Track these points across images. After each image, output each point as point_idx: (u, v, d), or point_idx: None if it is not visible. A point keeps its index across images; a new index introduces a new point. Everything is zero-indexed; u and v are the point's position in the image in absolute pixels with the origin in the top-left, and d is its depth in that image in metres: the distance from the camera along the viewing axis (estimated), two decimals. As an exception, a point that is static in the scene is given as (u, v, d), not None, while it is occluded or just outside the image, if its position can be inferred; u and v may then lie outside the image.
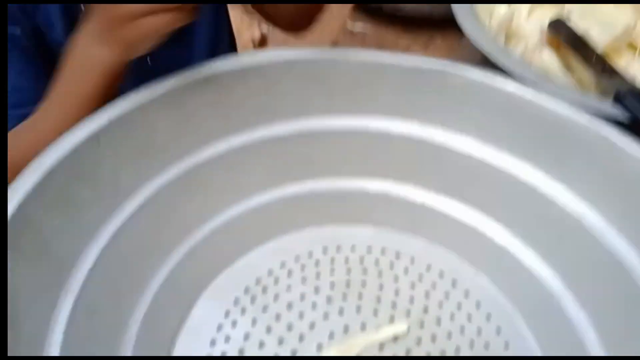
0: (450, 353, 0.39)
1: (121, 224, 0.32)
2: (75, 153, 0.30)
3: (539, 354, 0.39)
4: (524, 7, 0.56)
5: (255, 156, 0.40)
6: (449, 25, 0.56)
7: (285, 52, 0.40)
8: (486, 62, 0.45)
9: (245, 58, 0.39)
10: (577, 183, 0.38)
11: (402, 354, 0.38)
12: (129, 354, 0.31)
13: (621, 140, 0.35)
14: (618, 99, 0.37)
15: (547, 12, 0.54)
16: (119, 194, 0.33)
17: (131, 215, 0.33)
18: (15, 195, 0.27)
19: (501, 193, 0.41)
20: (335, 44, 0.82)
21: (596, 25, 0.50)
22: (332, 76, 0.41)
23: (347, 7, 0.88)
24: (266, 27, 0.96)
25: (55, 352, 0.27)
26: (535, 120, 0.39)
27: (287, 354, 0.37)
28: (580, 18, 0.52)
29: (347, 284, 0.42)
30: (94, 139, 0.31)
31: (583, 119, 0.37)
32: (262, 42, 0.99)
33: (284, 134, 0.41)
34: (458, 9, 0.53)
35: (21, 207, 0.27)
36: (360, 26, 0.85)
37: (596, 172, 0.37)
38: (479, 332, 0.40)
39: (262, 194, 0.42)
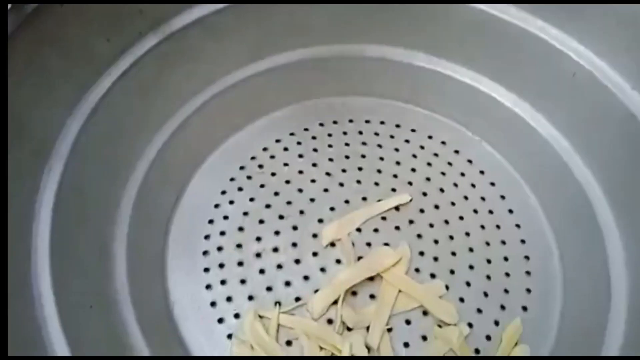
0: (453, 220, 0.38)
1: (100, 96, 0.29)
2: (36, 15, 0.26)
3: (542, 215, 0.39)
4: None
5: (241, 20, 0.36)
6: None
7: None
8: None
9: None
10: (593, 36, 0.35)
11: (405, 223, 0.37)
12: (124, 234, 0.30)
13: None
14: None
15: None
16: (94, 63, 0.30)
17: (110, 87, 0.30)
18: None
19: (509, 52, 0.38)
20: None
21: None
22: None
23: None
24: None
25: (44, 232, 0.25)
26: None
27: (289, 229, 0.36)
28: None
29: (346, 157, 0.40)
30: (56, -1, 0.27)
31: None
32: None
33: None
34: None
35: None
36: None
37: (614, 22, 0.34)
38: (483, 199, 0.39)
39: (251, 65, 0.39)
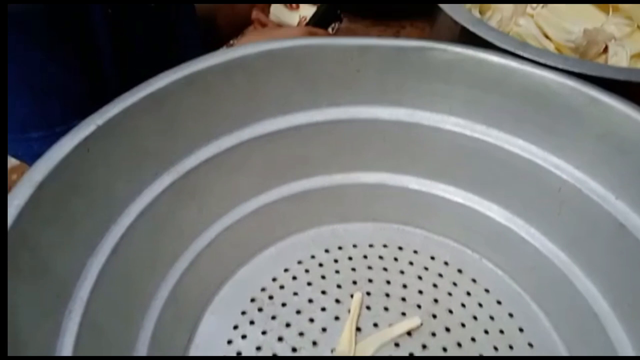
0: (466, 342, 0.38)
1: (120, 236, 0.30)
2: (65, 163, 0.27)
3: (553, 333, 0.39)
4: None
5: (246, 157, 0.38)
6: (418, 13, 0.54)
7: (265, 44, 0.38)
8: (461, 41, 0.44)
9: (225, 53, 0.37)
10: (571, 151, 0.38)
11: (418, 349, 0.37)
12: (141, 377, 0.29)
13: (611, 99, 0.35)
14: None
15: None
16: (114, 204, 0.30)
17: (129, 226, 0.30)
18: (9, 212, 0.24)
19: (496, 171, 0.41)
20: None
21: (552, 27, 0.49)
22: (313, 66, 0.39)
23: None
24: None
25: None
26: (521, 90, 0.38)
27: (303, 361, 0.35)
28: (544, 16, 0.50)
29: (354, 283, 0.40)
30: (82, 147, 0.28)
31: (570, 82, 0.37)
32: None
33: (272, 131, 0.39)
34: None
35: (15, 224, 0.24)
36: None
37: (589, 136, 0.37)
38: (492, 318, 0.39)
39: (258, 197, 0.40)
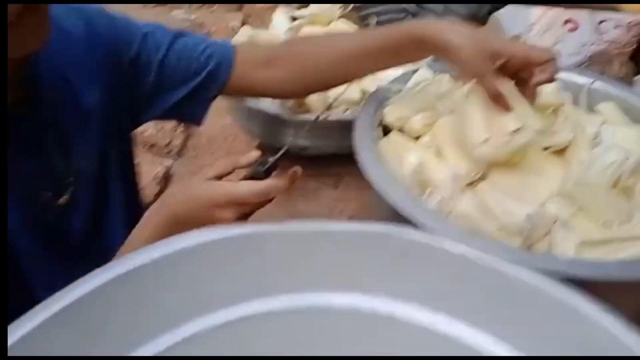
0: None
1: None
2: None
3: None
4: (434, 157, 0.57)
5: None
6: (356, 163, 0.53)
7: (204, 233, 0.36)
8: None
9: (167, 245, 0.34)
10: (528, 343, 0.36)
11: None
12: None
13: (568, 296, 0.35)
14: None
15: (459, 162, 0.56)
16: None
17: None
18: None
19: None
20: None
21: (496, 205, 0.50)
22: (262, 253, 0.37)
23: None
24: (170, 162, 0.94)
25: None
26: (473, 280, 0.37)
27: None
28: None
29: None
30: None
31: (523, 276, 0.36)
32: (166, 179, 0.96)
33: (218, 324, 0.36)
34: (363, 155, 0.50)
35: None
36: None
37: (547, 331, 0.36)
38: None
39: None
